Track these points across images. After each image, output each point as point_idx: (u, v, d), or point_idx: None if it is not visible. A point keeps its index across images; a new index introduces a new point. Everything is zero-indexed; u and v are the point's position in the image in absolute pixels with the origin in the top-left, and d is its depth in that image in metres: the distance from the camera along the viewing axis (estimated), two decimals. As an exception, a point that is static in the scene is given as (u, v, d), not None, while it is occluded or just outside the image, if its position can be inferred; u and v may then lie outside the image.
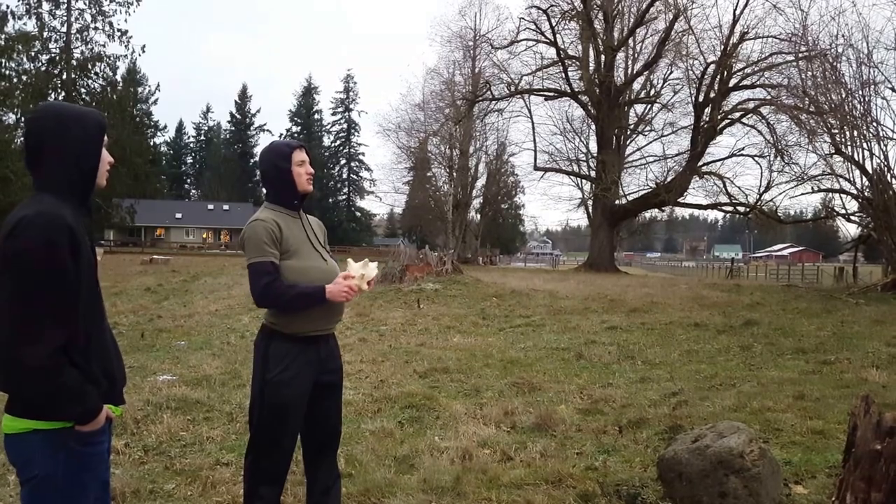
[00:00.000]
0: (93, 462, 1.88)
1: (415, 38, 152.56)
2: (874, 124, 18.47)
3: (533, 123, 40.25)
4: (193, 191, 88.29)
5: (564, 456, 4.22)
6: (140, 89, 57.32)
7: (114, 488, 3.31)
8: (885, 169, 18.35)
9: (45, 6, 41.99)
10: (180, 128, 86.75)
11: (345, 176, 78.36)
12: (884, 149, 18.34)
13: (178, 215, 69.84)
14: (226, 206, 70.58)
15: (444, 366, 7.31)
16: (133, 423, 4.73)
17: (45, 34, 41.87)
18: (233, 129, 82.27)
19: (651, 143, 38.95)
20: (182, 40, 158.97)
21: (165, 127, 75.43)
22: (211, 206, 71.64)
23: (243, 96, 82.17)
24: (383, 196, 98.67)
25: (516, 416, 5.15)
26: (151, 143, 59.91)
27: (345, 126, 77.89)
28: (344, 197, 78.57)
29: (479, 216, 52.42)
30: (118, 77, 46.15)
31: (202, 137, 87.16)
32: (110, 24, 43.52)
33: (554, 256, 79.11)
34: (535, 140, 40.85)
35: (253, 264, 2.58)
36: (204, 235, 70.42)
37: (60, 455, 1.81)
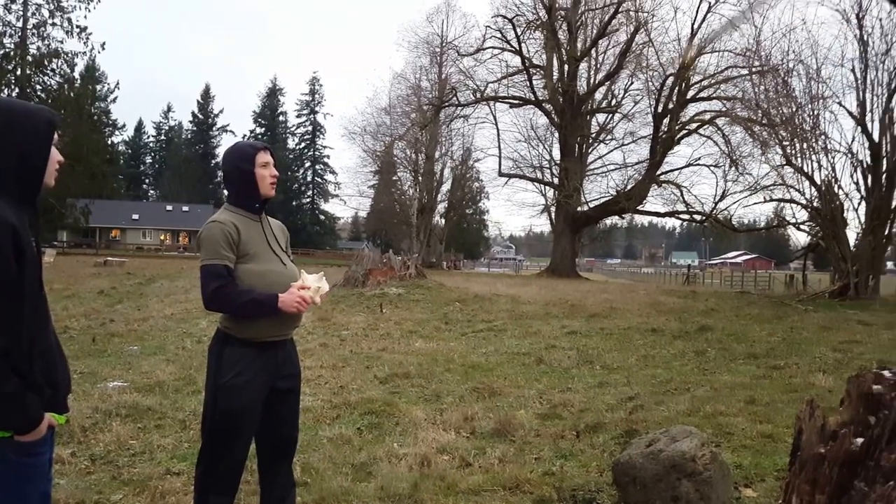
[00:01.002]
0: (33, 473, 1.82)
1: (382, 42, 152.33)
2: (822, 137, 19.19)
3: (498, 130, 40.86)
4: (152, 191, 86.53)
5: (522, 461, 4.25)
6: (99, 87, 55.87)
7: (58, 499, 3.21)
8: (833, 180, 19.07)
9: (0, 0, 40.86)
10: (140, 127, 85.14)
11: (309, 179, 77.71)
12: (831, 161, 19.08)
13: (135, 216, 68.25)
14: (185, 208, 69.22)
15: (406, 371, 7.28)
16: (80, 431, 4.59)
17: (-1, 29, 40.75)
18: (194, 129, 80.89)
19: (612, 151, 39.87)
20: (144, 38, 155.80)
21: (124, 126, 73.93)
22: (170, 208, 70.15)
23: (206, 96, 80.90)
24: (348, 199, 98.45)
25: (476, 421, 5.16)
26: (109, 142, 58.53)
27: (310, 128, 77.31)
28: (308, 200, 77.87)
29: (443, 221, 52.55)
30: (76, 74, 45.12)
31: (162, 137, 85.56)
32: (69, 20, 42.50)
33: (517, 261, 79.58)
34: (499, 146, 41.39)
35: (205, 266, 2.53)
36: (162, 237, 68.93)
37: None
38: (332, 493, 3.61)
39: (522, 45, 36.55)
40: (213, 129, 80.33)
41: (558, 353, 8.77)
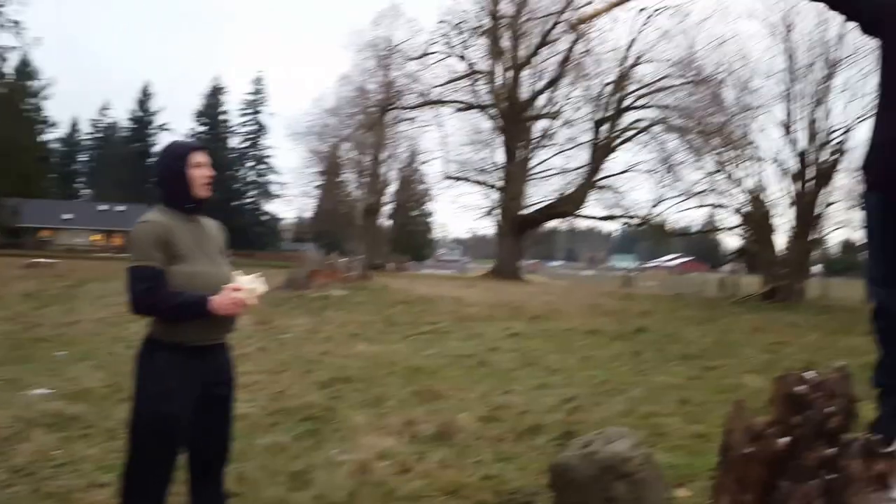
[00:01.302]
0: None
1: (328, 44, 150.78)
2: (752, 146, 20.08)
3: (443, 133, 41.10)
4: (86, 190, 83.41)
5: (463, 465, 4.24)
6: (32, 83, 53.58)
7: (-27, 515, 3.06)
8: (762, 187, 19.97)
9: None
10: (75, 124, 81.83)
11: (252, 178, 76.18)
12: (760, 168, 19.97)
13: (67, 216, 65.42)
14: (120, 207, 66.80)
15: (347, 375, 7.19)
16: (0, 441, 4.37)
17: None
18: (133, 126, 78.34)
19: (554, 156, 40.51)
20: (82, 34, 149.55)
21: (57, 123, 70.92)
22: (104, 207, 67.53)
23: (145, 94, 78.46)
24: (292, 200, 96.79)
25: (417, 425, 5.12)
26: (41, 140, 56.25)
27: (253, 128, 75.74)
28: (251, 200, 76.31)
29: (389, 222, 52.37)
30: (8, 70, 43.25)
31: (98, 135, 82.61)
32: (1, 13, 40.65)
33: (462, 263, 80.00)
34: (445, 150, 41.62)
35: (132, 268, 2.48)
36: (93, 238, 66.46)
37: None
38: (265, 503, 3.53)
39: (467, 50, 37.36)
40: (152, 127, 78.04)
41: (501, 355, 8.84)
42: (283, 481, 3.92)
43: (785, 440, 2.66)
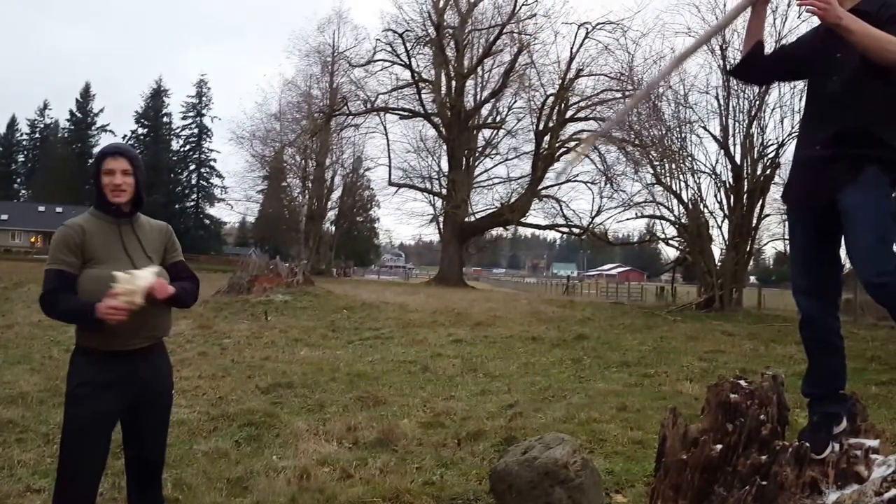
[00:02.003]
0: None
1: (272, 49, 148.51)
2: (689, 159, 20.74)
3: (388, 140, 41.14)
4: (24, 191, 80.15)
5: (404, 471, 4.25)
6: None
7: None
8: (699, 199, 20.62)
9: None
10: (12, 124, 78.44)
11: (194, 182, 74.31)
12: (697, 181, 20.64)
13: (4, 217, 63.12)
14: (59, 209, 64.25)
15: (289, 380, 7.11)
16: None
17: None
18: (72, 127, 75.53)
19: (497, 165, 41.26)
20: (18, 31, 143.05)
21: (-7, 123, 67.90)
22: (42, 208, 65.19)
23: (86, 94, 75.66)
24: (235, 204, 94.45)
25: (359, 431, 5.11)
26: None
27: (196, 131, 73.91)
28: (192, 203, 74.40)
29: (333, 228, 51.86)
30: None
31: (37, 135, 79.46)
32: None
33: (407, 270, 79.79)
34: (389, 156, 41.81)
35: (45, 270, 2.49)
36: (32, 239, 63.82)
37: None
38: (204, 510, 3.47)
39: (412, 59, 37.95)
40: (93, 128, 75.44)
41: (443, 361, 8.87)
42: (222, 487, 3.85)
43: (719, 447, 2.77)
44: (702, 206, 20.62)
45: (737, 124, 20.02)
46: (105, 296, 2.39)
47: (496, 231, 43.82)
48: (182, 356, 8.39)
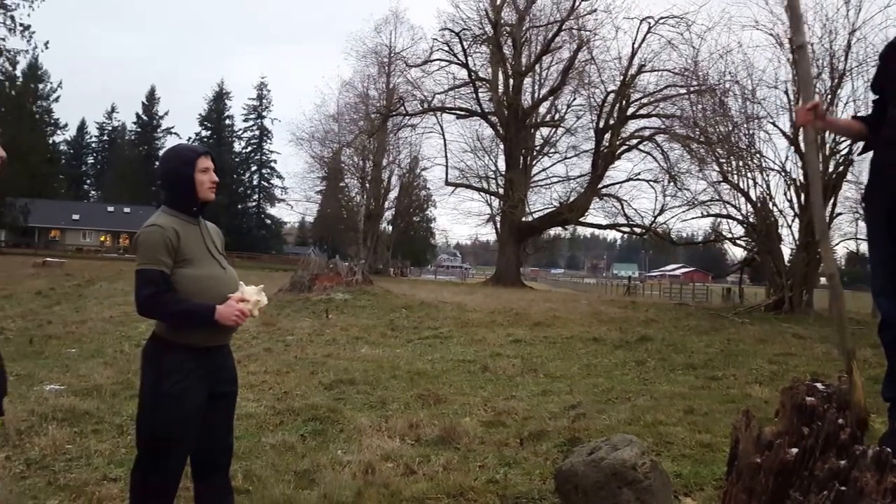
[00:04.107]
0: None
1: (331, 51, 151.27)
2: (757, 156, 19.93)
3: (445, 140, 41.16)
4: (93, 192, 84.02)
5: (467, 469, 4.25)
6: (41, 86, 54.01)
7: (-9, 504, 3.10)
8: (767, 197, 19.81)
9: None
10: (83, 127, 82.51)
11: (255, 183, 76.41)
12: (766, 178, 19.81)
13: (76, 217, 66.07)
14: (127, 209, 67.29)
15: (351, 377, 7.22)
16: (16, 434, 4.43)
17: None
18: (139, 130, 78.79)
19: (555, 164, 40.66)
20: (89, 37, 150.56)
21: (66, 126, 71.39)
22: (111, 209, 68.23)
23: (151, 97, 78.83)
24: (295, 204, 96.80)
25: (421, 428, 5.14)
26: (50, 142, 56.83)
27: (257, 133, 76.03)
28: (254, 204, 76.53)
29: (390, 228, 52.41)
30: (18, 72, 43.70)
31: (105, 138, 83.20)
32: (12, 17, 41.06)
33: (463, 270, 79.93)
34: (446, 156, 41.71)
35: (141, 271, 2.50)
36: (102, 238, 66.83)
37: None
38: (273, 500, 3.55)
39: (469, 58, 37.57)
40: (158, 130, 78.43)
41: (503, 360, 8.84)
42: (290, 480, 3.94)
43: (795, 451, 2.67)
44: (771, 205, 19.82)
45: (807, 123, 19.14)
46: (233, 297, 2.56)
47: (554, 231, 43.34)
48: (248, 352, 8.64)
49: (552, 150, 40.55)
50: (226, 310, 2.50)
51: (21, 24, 41.04)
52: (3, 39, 41.76)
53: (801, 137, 16.22)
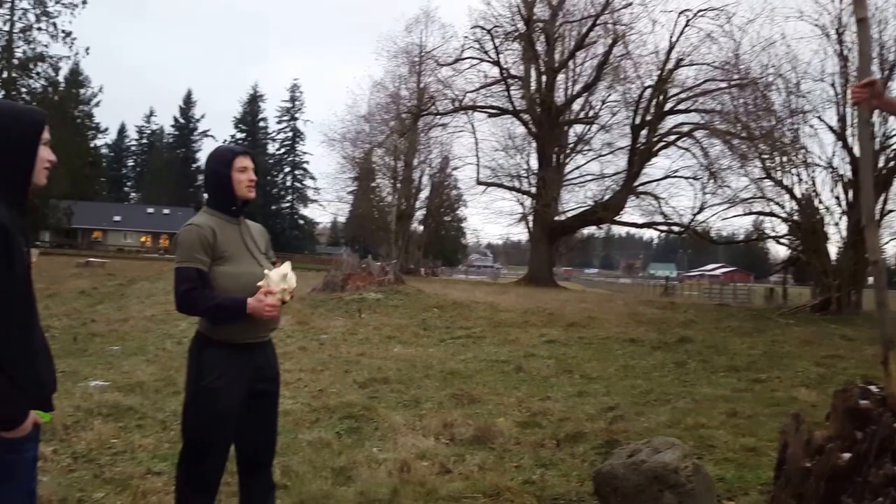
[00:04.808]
0: (19, 470, 1.80)
1: (362, 51, 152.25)
2: (802, 151, 19.33)
3: (476, 139, 40.97)
4: (133, 194, 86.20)
5: (502, 469, 4.21)
6: (82, 91, 55.60)
7: (40, 496, 3.12)
8: (813, 194, 19.18)
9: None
10: (122, 130, 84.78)
11: (289, 184, 77.47)
12: (811, 174, 19.20)
13: (117, 218, 67.84)
14: (166, 210, 68.82)
15: (385, 376, 7.23)
16: (62, 429, 4.52)
17: (-15, 32, 40.64)
18: (176, 133, 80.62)
19: (589, 162, 39.99)
20: (127, 42, 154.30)
21: (107, 129, 73.31)
22: (151, 210, 69.89)
23: (188, 101, 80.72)
24: (327, 205, 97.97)
25: (455, 428, 5.10)
26: (92, 145, 58.63)
27: (290, 134, 77.10)
28: (287, 204, 77.62)
29: (422, 227, 52.50)
30: (60, 78, 45.29)
31: (144, 141, 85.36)
32: (54, 24, 42.66)
33: (495, 269, 79.71)
34: (477, 155, 41.50)
35: (178, 269, 2.56)
36: (143, 239, 68.50)
37: None
38: (311, 496, 3.57)
39: (500, 55, 37.14)
40: (195, 133, 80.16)
41: (537, 361, 8.76)
42: (327, 476, 3.95)
43: (847, 455, 2.56)
44: (817, 202, 19.22)
45: (855, 113, 18.52)
46: (258, 292, 2.55)
47: (588, 230, 42.85)
48: (283, 350, 8.70)
49: (586, 148, 39.96)
50: (257, 305, 2.52)
51: (63, 31, 42.44)
52: (46, 46, 43.03)
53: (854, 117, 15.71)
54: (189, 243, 2.55)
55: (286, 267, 2.66)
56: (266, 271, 2.61)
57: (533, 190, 39.77)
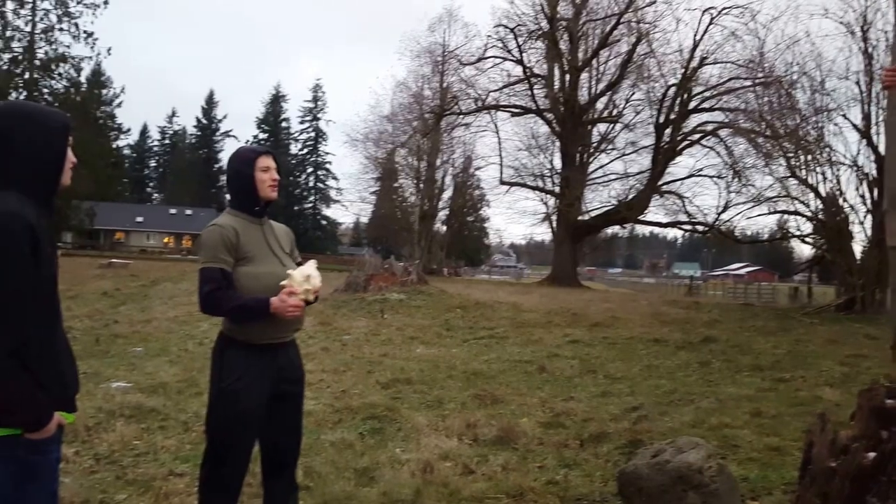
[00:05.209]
0: (42, 471, 1.81)
1: (384, 51, 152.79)
2: (827, 149, 19.07)
3: (499, 138, 40.83)
4: (156, 195, 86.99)
5: (526, 469, 4.21)
6: (104, 91, 56.30)
7: (63, 498, 3.17)
8: (838, 193, 18.93)
9: (10, 5, 41.35)
10: (145, 131, 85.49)
11: (311, 184, 77.85)
12: (836, 173, 18.93)
13: (140, 219, 68.50)
14: (189, 211, 69.46)
15: (407, 377, 7.26)
16: (84, 430, 4.57)
17: (7, 33, 41.31)
18: (199, 133, 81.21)
19: (613, 161, 39.62)
20: (149, 43, 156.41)
21: (129, 130, 74.17)
22: (173, 211, 70.45)
23: (210, 101, 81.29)
24: (349, 205, 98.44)
25: (478, 428, 5.11)
26: (114, 146, 59.18)
27: (312, 134, 77.47)
28: (310, 205, 78.01)
29: (444, 228, 52.50)
30: (82, 78, 45.62)
31: (167, 141, 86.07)
32: (76, 25, 43.03)
33: (518, 269, 79.43)
34: (500, 154, 41.34)
35: (203, 269, 2.57)
36: (165, 240, 69.13)
37: (8, 464, 1.73)
38: (334, 497, 3.59)
39: (524, 54, 36.90)
40: (217, 134, 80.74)
41: (560, 361, 8.74)
42: (350, 477, 3.98)
43: (872, 455, 2.53)
44: (841, 201, 18.96)
45: (881, 111, 18.23)
46: (281, 292, 2.54)
47: (612, 229, 42.53)
48: (306, 350, 8.70)
49: (610, 147, 39.66)
50: (280, 305, 2.52)
51: (85, 32, 42.92)
52: (68, 47, 43.50)
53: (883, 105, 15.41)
54: (213, 243, 2.56)
55: (310, 267, 2.64)
56: (289, 271, 2.60)
57: (556, 189, 39.58)
